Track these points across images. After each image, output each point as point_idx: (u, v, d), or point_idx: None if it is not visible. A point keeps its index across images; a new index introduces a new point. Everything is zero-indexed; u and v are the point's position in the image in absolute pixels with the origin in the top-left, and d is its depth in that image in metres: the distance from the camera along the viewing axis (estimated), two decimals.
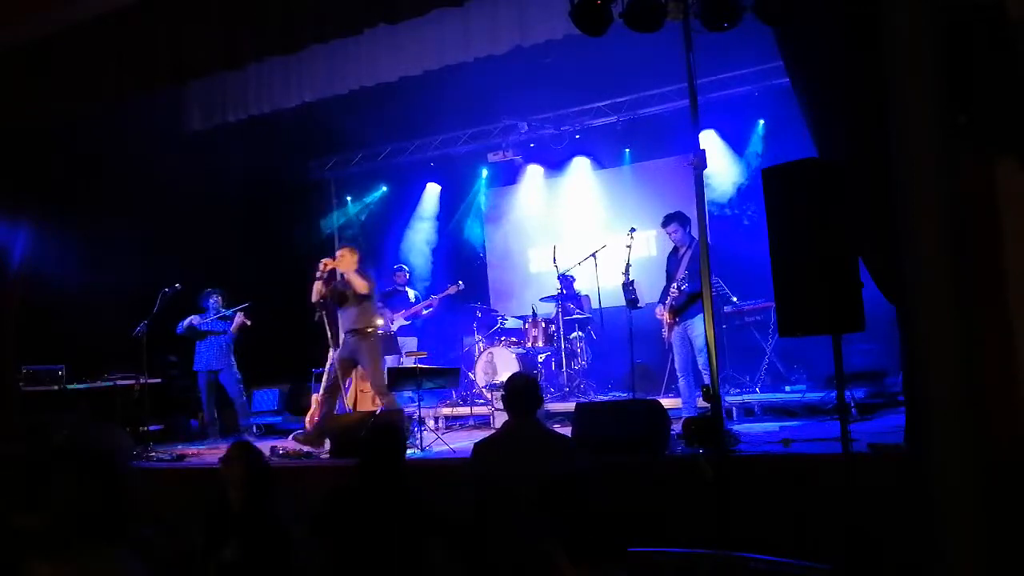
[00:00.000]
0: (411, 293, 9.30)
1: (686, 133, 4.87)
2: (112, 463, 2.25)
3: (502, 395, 4.18)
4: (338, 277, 6.89)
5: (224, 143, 7.95)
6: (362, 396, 7.66)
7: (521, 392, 4.04)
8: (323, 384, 6.91)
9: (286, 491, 4.14)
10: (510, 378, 4.32)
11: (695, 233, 6.58)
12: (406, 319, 8.93)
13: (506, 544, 3.69)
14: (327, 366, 6.93)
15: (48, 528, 2.09)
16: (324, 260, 6.90)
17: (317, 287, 6.79)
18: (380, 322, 6.96)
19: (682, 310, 6.44)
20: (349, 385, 7.57)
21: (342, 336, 6.87)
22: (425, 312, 9.09)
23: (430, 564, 3.35)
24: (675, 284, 6.46)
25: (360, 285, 6.70)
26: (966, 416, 3.08)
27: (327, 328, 6.97)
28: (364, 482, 3.54)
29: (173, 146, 7.87)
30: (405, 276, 9.41)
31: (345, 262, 6.83)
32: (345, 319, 6.85)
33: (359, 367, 7.02)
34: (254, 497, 3.62)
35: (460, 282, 9.05)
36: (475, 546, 3.80)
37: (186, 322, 8.35)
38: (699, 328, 6.32)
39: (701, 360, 6.31)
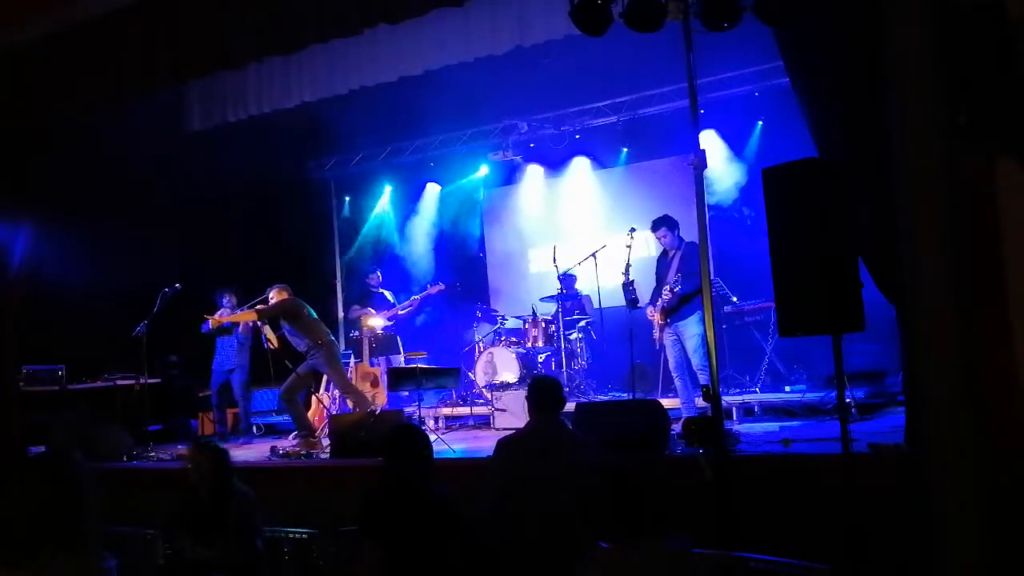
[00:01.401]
0: (388, 294, 9.30)
1: (686, 133, 4.88)
2: (67, 468, 2.23)
3: (526, 394, 4.23)
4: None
5: (224, 143, 7.95)
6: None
7: (545, 392, 4.12)
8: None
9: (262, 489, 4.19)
10: (535, 378, 4.42)
11: (686, 235, 6.62)
12: (387, 319, 8.93)
13: (528, 539, 3.71)
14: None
15: (2, 532, 2.09)
16: (259, 307, 7.47)
17: (269, 336, 7.43)
18: (322, 332, 7.37)
19: (673, 311, 6.46)
20: (330, 388, 7.84)
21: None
22: (402, 312, 9.08)
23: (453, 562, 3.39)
24: (667, 286, 6.47)
25: (278, 313, 7.28)
26: (966, 416, 3.08)
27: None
28: (397, 482, 3.58)
29: (173, 146, 7.87)
30: (378, 278, 9.39)
31: (278, 300, 7.39)
32: (296, 344, 7.35)
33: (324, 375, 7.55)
34: (220, 494, 3.70)
35: (441, 283, 9.06)
36: (495, 542, 3.82)
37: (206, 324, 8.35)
38: (692, 329, 6.33)
39: (695, 360, 6.31)
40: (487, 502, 4.01)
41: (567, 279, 8.47)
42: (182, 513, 3.77)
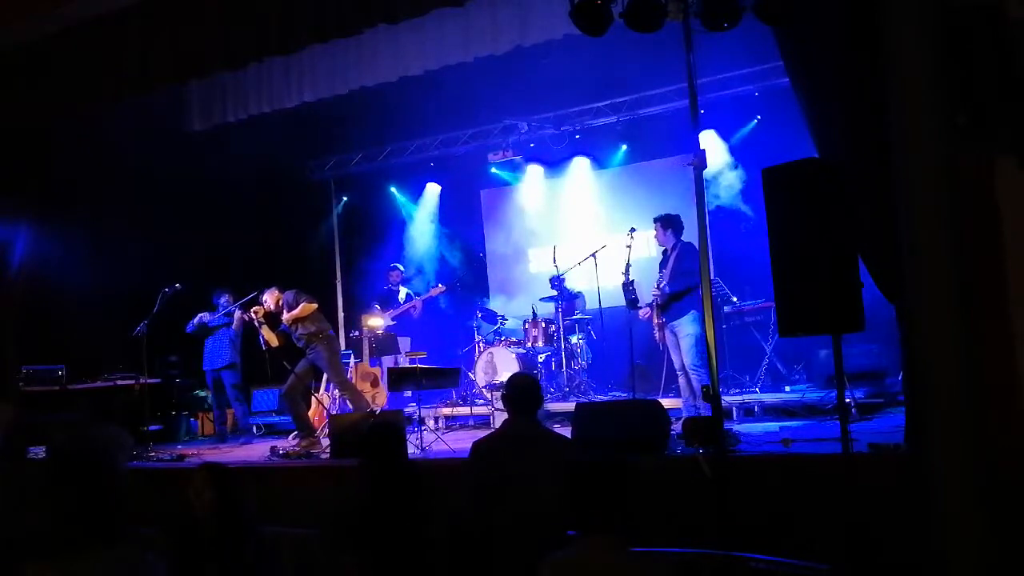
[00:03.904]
0: (403, 292, 9.29)
1: (686, 133, 4.87)
2: (104, 465, 2.24)
3: (503, 394, 4.20)
4: (283, 313, 7.35)
5: (224, 143, 7.95)
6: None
7: (523, 391, 4.06)
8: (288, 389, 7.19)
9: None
10: (511, 377, 4.34)
11: (687, 236, 6.62)
12: (392, 319, 8.91)
13: (507, 541, 3.70)
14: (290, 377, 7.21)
15: (43, 530, 2.10)
16: (255, 308, 7.50)
17: (268, 336, 7.36)
18: (325, 326, 7.38)
19: (665, 310, 6.48)
20: (330, 388, 7.83)
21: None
22: (415, 312, 9.07)
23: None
24: (656, 283, 6.53)
25: (293, 315, 7.21)
26: (966, 416, 3.08)
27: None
28: (373, 485, 3.53)
29: (173, 146, 7.87)
30: (399, 275, 9.40)
31: (274, 300, 7.40)
32: (297, 340, 7.32)
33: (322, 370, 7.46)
34: (229, 524, 3.44)
35: (442, 285, 9.06)
36: (475, 544, 3.80)
37: (195, 320, 8.33)
38: (686, 329, 6.33)
39: (688, 360, 6.32)
40: (462, 505, 3.98)
41: (558, 282, 8.45)
42: (192, 541, 3.45)
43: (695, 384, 6.32)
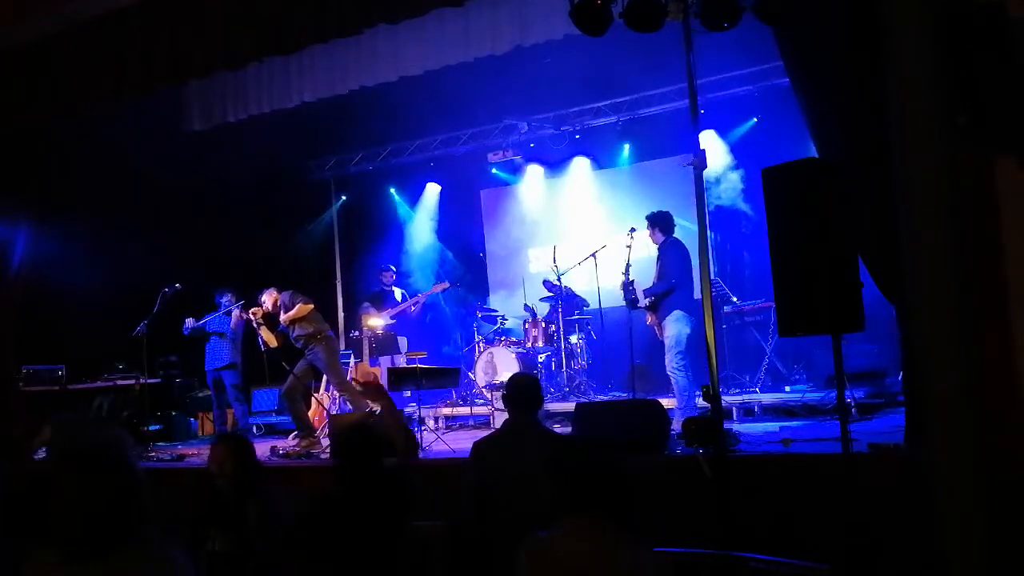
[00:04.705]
0: (397, 292, 9.28)
1: (686, 133, 4.88)
2: (121, 462, 2.20)
3: (503, 394, 4.20)
4: (280, 314, 7.36)
5: (224, 143, 7.95)
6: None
7: (523, 391, 4.07)
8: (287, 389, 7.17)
9: (278, 486, 4.13)
10: (512, 377, 4.35)
11: (689, 236, 6.63)
12: (391, 318, 8.91)
13: (507, 541, 3.69)
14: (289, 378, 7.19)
15: (61, 532, 2.06)
16: (253, 309, 7.54)
17: (267, 336, 7.41)
18: (323, 327, 7.39)
19: (654, 308, 6.51)
20: (330, 388, 7.84)
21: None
22: (413, 310, 9.07)
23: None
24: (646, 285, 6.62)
25: (290, 316, 7.22)
26: (966, 416, 3.08)
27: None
28: (344, 487, 3.52)
29: (173, 146, 7.87)
30: (392, 276, 9.40)
31: (271, 301, 7.42)
32: (295, 340, 7.32)
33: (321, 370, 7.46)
34: (243, 488, 3.62)
35: (446, 282, 9.07)
36: (474, 544, 3.80)
37: (185, 324, 8.32)
38: (669, 329, 6.35)
39: (667, 360, 6.32)
40: (462, 506, 3.98)
41: (553, 284, 8.43)
42: (206, 505, 3.72)
43: (673, 385, 6.33)
